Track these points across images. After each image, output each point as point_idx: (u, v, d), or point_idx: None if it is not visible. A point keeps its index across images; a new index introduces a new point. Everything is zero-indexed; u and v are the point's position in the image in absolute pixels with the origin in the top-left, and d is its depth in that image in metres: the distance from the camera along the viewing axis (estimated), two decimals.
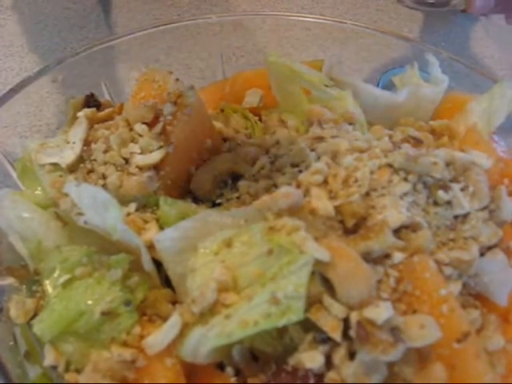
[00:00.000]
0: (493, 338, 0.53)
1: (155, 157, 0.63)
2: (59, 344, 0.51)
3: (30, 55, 1.15)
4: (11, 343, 0.60)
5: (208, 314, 0.48)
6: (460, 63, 0.87)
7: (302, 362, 0.46)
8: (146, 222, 0.60)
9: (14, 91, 0.73)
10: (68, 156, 0.63)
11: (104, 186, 0.61)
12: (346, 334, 0.46)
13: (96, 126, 0.66)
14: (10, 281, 0.63)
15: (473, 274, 0.56)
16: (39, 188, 0.66)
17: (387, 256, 0.52)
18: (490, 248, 0.57)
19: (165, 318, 0.51)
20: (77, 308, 0.51)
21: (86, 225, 0.55)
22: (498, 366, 0.52)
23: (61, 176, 0.63)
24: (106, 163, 0.63)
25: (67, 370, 0.52)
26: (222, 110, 0.80)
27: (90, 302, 0.51)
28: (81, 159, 0.64)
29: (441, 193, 0.57)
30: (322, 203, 0.54)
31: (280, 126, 0.70)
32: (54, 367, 0.53)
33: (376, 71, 0.94)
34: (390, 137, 0.64)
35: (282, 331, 0.48)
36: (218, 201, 0.65)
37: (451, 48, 1.23)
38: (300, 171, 0.60)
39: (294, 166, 0.61)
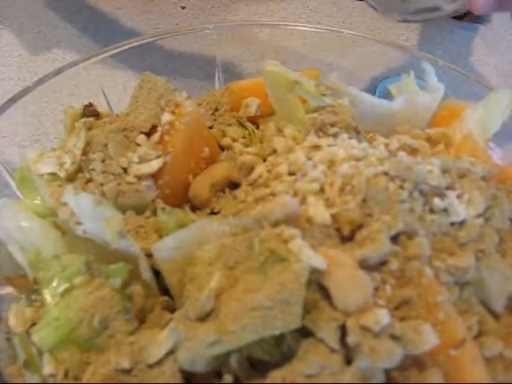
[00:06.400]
0: (490, 344, 0.54)
1: (153, 166, 0.64)
2: (58, 352, 0.51)
3: (28, 65, 1.15)
4: (10, 352, 0.60)
5: (205, 322, 0.48)
6: (456, 71, 0.87)
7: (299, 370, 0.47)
8: (144, 231, 0.60)
9: (12, 101, 0.74)
10: (66, 166, 0.64)
11: (102, 196, 0.61)
12: (342, 341, 0.47)
13: (94, 135, 0.66)
14: (8, 290, 0.63)
15: (470, 281, 0.56)
16: (38, 197, 0.66)
17: (384, 263, 0.53)
18: (486, 254, 0.58)
19: (163, 326, 0.51)
20: (76, 317, 0.51)
21: (84, 234, 0.55)
22: (495, 372, 0.53)
23: (59, 185, 0.63)
24: (104, 172, 0.63)
25: (66, 378, 0.52)
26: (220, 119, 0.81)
27: (88, 311, 0.51)
28: (79, 169, 0.64)
29: (437, 200, 0.57)
30: (319, 211, 0.54)
31: (277, 135, 0.70)
32: (53, 375, 0.53)
33: (373, 79, 0.95)
34: (386, 145, 0.64)
35: (279, 339, 0.48)
36: (216, 209, 0.66)
37: (447, 56, 1.24)
38: (297, 180, 0.60)
39: (290, 174, 0.61)
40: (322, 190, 0.57)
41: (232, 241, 0.51)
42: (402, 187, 0.57)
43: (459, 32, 1.33)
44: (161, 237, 0.59)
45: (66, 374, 0.52)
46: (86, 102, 0.73)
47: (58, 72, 0.79)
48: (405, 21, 0.97)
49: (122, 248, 0.55)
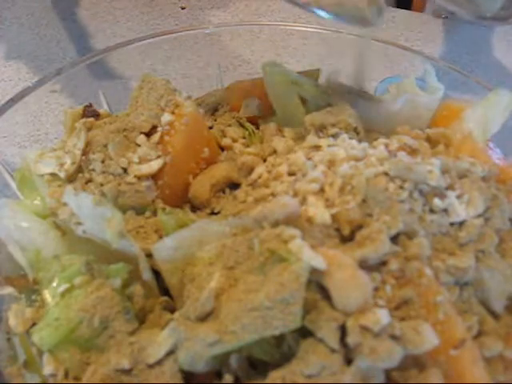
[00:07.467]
0: (490, 344, 0.54)
1: (153, 166, 0.64)
2: (58, 352, 0.51)
3: (28, 65, 1.15)
4: (10, 352, 0.60)
5: (205, 322, 0.48)
6: (456, 71, 0.87)
7: (299, 370, 0.47)
8: (144, 231, 0.60)
9: (12, 101, 0.73)
10: (66, 166, 0.64)
11: (102, 196, 0.61)
12: (342, 341, 0.47)
13: (94, 135, 0.66)
14: (8, 290, 0.63)
15: (470, 281, 0.56)
16: (38, 198, 0.66)
17: (384, 263, 0.53)
18: (486, 255, 0.58)
19: (163, 327, 0.51)
20: (76, 317, 0.51)
21: (84, 234, 0.55)
22: (495, 372, 0.53)
23: (59, 186, 0.63)
24: (104, 173, 0.63)
25: (66, 378, 0.52)
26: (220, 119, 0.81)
27: (89, 311, 0.51)
28: (79, 169, 0.64)
29: (436, 201, 0.57)
30: (319, 211, 0.54)
31: (277, 135, 0.71)
32: (53, 375, 0.53)
33: (372, 80, 0.95)
34: (386, 145, 0.64)
35: (279, 339, 0.48)
36: (216, 210, 0.66)
37: (448, 56, 1.24)
38: (297, 180, 0.60)
39: (291, 174, 0.61)
40: (322, 190, 0.57)
41: (232, 241, 0.51)
42: (402, 187, 0.57)
43: (460, 32, 1.33)
44: (161, 237, 0.59)
45: (66, 374, 0.52)
46: (86, 103, 0.73)
47: (58, 72, 0.79)
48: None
49: (122, 248, 0.55)
